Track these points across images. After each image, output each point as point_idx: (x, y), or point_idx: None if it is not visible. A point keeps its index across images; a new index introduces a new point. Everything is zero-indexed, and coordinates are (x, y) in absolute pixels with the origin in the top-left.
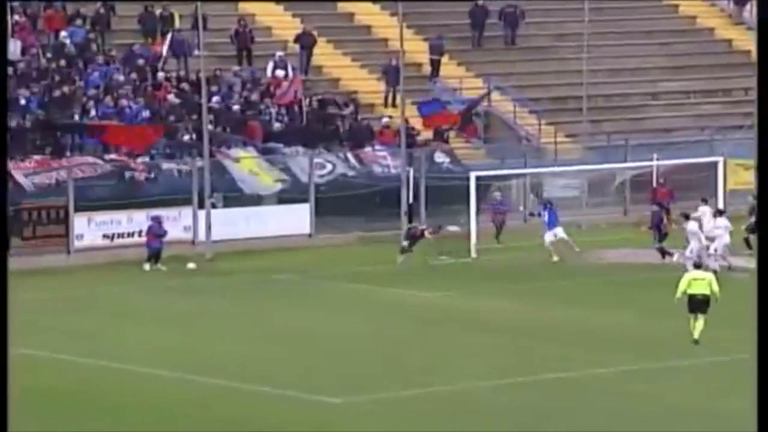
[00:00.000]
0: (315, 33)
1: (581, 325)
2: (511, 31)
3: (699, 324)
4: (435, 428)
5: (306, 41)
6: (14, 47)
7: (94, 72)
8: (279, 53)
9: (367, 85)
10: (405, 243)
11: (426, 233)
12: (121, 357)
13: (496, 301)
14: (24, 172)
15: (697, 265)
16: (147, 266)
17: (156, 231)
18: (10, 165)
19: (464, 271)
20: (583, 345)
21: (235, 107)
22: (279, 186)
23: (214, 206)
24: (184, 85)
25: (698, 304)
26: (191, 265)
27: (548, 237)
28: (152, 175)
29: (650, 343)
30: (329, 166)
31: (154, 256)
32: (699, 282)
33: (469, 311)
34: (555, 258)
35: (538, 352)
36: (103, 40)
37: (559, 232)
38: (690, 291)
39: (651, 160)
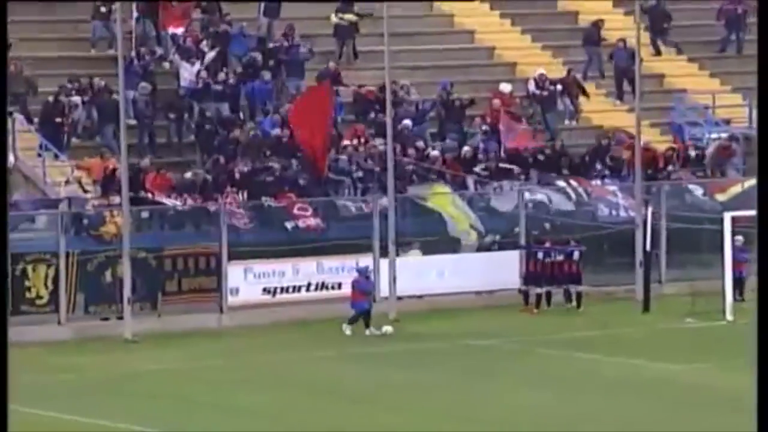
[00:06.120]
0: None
1: None
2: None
3: None
4: None
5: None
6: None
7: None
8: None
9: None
10: None
11: None
12: None
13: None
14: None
15: None
16: (348, 330)
17: (364, 287)
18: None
19: (716, 338)
20: None
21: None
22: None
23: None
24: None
25: None
26: (387, 329)
27: None
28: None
29: None
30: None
31: (363, 318)
32: None
33: (722, 389)
34: None
35: None
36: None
37: None
38: None
39: None
